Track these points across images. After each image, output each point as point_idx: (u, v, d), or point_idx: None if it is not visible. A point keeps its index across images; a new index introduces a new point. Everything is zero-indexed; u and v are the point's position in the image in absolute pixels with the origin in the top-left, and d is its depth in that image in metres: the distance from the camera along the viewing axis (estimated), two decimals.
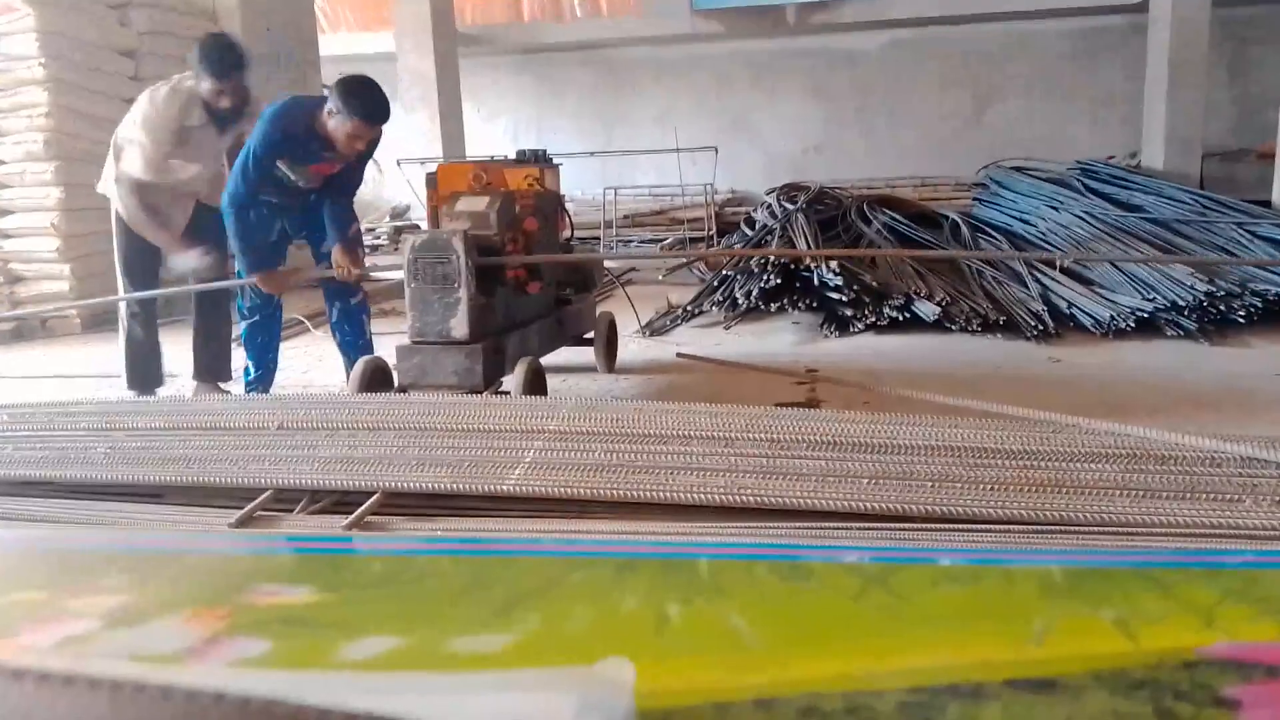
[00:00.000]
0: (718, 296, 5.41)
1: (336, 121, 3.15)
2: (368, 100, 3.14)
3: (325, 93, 3.30)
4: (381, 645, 0.65)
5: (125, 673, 0.32)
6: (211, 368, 3.86)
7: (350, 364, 3.68)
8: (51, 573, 0.84)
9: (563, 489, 1.75)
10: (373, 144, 3.37)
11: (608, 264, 6.03)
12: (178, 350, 4.00)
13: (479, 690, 0.58)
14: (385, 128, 3.31)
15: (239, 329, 3.69)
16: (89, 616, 0.68)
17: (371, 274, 3.89)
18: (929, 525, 1.61)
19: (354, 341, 3.66)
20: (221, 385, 3.87)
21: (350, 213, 3.57)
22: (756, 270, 5.29)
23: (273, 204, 3.42)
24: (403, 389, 3.02)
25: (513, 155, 3.92)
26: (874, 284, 4.97)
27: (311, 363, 4.48)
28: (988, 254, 5.95)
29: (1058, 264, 5.08)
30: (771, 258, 5.38)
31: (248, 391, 3.60)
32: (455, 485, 1.80)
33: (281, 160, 3.28)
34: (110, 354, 4.97)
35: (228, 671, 0.55)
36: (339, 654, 0.62)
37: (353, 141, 3.18)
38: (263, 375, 3.65)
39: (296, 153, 3.27)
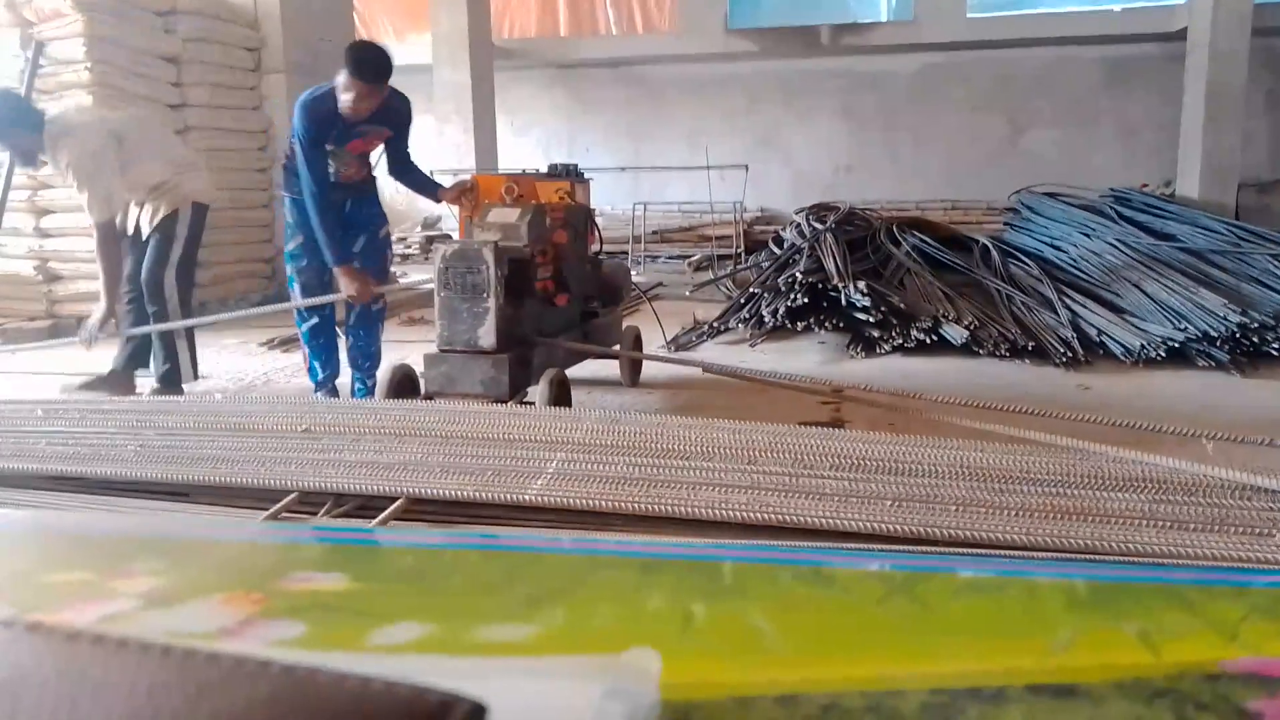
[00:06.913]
0: (744, 314, 5.40)
1: (344, 89, 3.28)
2: (362, 60, 3.29)
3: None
4: (411, 632, 0.66)
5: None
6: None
7: (357, 375, 3.71)
8: (92, 556, 0.86)
9: (584, 501, 1.75)
10: (399, 113, 3.51)
11: (635, 279, 6.06)
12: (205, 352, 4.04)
13: (507, 675, 0.59)
14: (415, 122, 3.53)
15: (300, 331, 3.72)
16: (127, 597, 0.70)
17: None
18: (952, 549, 1.60)
19: (365, 349, 3.69)
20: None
21: (425, 177, 3.78)
22: (784, 289, 5.29)
23: None
24: (429, 396, 3.04)
25: (544, 169, 3.95)
26: (902, 306, 4.96)
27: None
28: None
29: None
30: (799, 276, 5.37)
31: (317, 392, 3.64)
32: (478, 494, 1.81)
33: (327, 142, 3.38)
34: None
35: (264, 650, 0.57)
36: (370, 638, 0.64)
37: (357, 104, 3.29)
38: (331, 375, 3.70)
39: (333, 132, 3.38)
